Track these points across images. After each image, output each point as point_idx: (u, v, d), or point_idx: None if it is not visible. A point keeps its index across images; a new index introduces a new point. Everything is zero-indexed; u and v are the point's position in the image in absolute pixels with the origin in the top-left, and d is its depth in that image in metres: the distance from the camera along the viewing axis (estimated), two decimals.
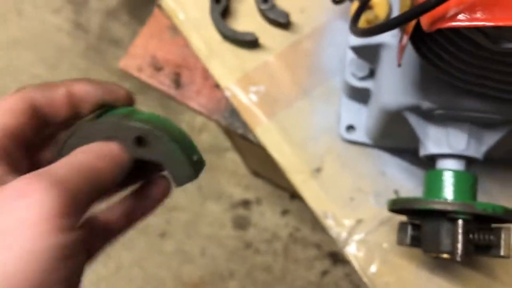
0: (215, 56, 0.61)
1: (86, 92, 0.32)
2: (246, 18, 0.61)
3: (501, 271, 0.52)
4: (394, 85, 0.42)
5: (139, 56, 0.63)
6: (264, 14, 0.59)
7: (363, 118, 0.57)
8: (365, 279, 0.54)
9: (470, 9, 0.27)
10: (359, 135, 0.57)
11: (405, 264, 0.54)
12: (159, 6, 0.64)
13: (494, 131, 0.42)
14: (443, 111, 0.40)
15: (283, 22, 0.59)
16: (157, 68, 0.63)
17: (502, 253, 0.40)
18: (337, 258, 1.45)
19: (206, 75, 0.61)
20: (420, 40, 0.35)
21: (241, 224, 1.52)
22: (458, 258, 0.39)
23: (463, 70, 0.35)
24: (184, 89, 0.62)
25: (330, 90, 0.59)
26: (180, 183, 0.32)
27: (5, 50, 1.70)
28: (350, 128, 0.57)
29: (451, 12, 0.27)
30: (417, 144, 0.49)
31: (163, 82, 0.62)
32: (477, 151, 0.42)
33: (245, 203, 1.53)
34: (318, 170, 0.57)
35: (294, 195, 1.52)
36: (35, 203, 0.24)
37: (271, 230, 1.50)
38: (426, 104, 0.40)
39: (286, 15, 0.59)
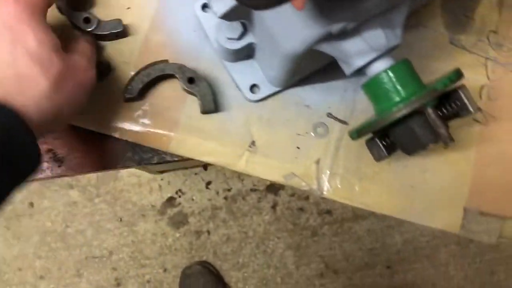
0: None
1: None
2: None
3: None
4: (291, 29, 0.38)
5: None
6: (96, 35, 0.50)
7: (258, 73, 0.52)
8: (357, 205, 0.53)
9: None
10: (265, 90, 0.53)
11: (377, 169, 0.53)
12: None
13: (398, 10, 0.40)
14: (355, 23, 0.37)
15: (120, 31, 0.51)
16: None
17: (472, 110, 0.40)
18: (275, 187, 1.47)
19: (76, 134, 0.52)
20: None
21: (179, 221, 1.45)
22: (449, 142, 0.38)
23: None
24: (68, 163, 0.52)
25: (211, 65, 0.53)
26: (205, 111, 0.51)
27: None
28: (254, 87, 0.53)
29: None
30: (319, 63, 0.47)
31: (42, 170, 0.52)
32: (396, 37, 0.40)
33: (170, 202, 1.46)
34: (252, 143, 0.53)
35: (205, 164, 1.48)
36: None
37: (208, 206, 1.46)
38: (335, 27, 0.37)
39: (118, 22, 0.50)
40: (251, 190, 1.47)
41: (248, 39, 0.47)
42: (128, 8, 0.53)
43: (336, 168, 0.53)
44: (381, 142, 0.43)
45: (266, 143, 0.53)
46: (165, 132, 0.52)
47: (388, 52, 0.41)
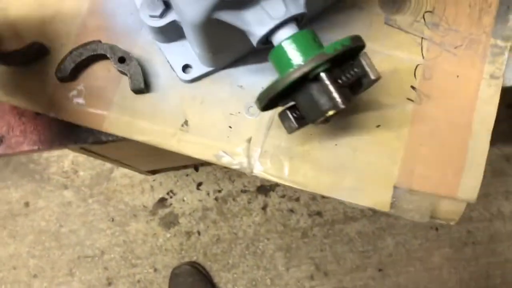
0: (13, 88, 0.53)
1: None
2: (15, 36, 0.54)
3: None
4: None
5: None
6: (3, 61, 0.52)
7: (190, 53, 0.54)
8: (287, 183, 0.53)
9: None
10: (197, 70, 0.54)
11: (308, 148, 0.53)
12: None
13: None
14: None
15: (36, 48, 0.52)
16: None
17: (372, 76, 0.40)
18: (266, 188, 1.47)
19: (17, 112, 0.54)
20: None
21: (170, 222, 1.46)
22: (341, 105, 0.38)
23: None
24: (7, 141, 0.54)
25: (146, 47, 0.55)
26: (135, 90, 0.52)
27: None
28: (186, 67, 0.54)
29: None
30: (247, 43, 0.47)
31: None
32: (298, 6, 0.41)
33: (162, 203, 1.47)
34: (185, 123, 0.54)
35: (197, 166, 1.49)
36: None
37: (199, 207, 1.47)
38: None
39: (36, 45, 0.52)
40: (242, 191, 1.47)
41: (170, 17, 0.49)
42: None
43: (267, 147, 0.53)
44: (292, 114, 0.43)
45: (198, 122, 0.54)
46: (99, 112, 0.53)
47: (293, 22, 0.41)
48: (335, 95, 0.38)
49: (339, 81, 0.40)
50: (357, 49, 0.41)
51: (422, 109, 0.54)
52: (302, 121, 0.44)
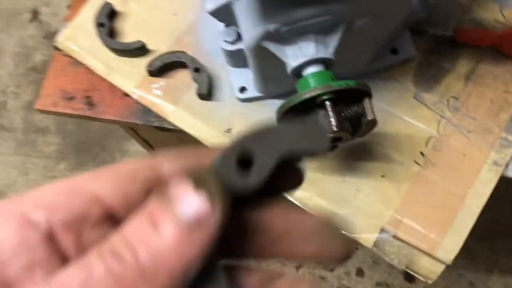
0: (114, 70, 0.70)
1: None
2: (132, 32, 0.72)
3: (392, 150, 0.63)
4: (247, 25, 0.53)
5: (51, 94, 0.72)
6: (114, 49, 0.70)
7: (249, 79, 0.67)
8: (293, 199, 0.63)
9: None
10: (251, 93, 0.67)
11: (318, 177, 0.63)
12: (56, 48, 0.73)
13: (333, 33, 0.53)
14: (287, 27, 0.51)
15: (139, 46, 0.69)
16: (69, 98, 0.71)
17: (369, 117, 0.51)
18: None
19: (112, 89, 0.71)
20: None
21: None
22: (334, 128, 0.49)
23: None
24: (97, 107, 0.70)
25: (219, 67, 0.70)
26: (200, 95, 0.63)
27: None
28: (243, 89, 0.68)
29: None
30: (290, 82, 0.60)
31: (77, 108, 0.71)
32: (326, 52, 0.53)
33: None
34: (228, 130, 0.67)
35: None
36: None
37: None
38: (271, 27, 0.51)
39: (140, 43, 0.69)
40: None
41: (239, 45, 0.63)
42: (175, 14, 0.73)
43: None
44: None
45: (238, 132, 0.66)
46: (169, 105, 0.68)
47: (321, 63, 0.53)
48: (332, 120, 0.49)
49: (342, 114, 0.51)
50: (362, 94, 0.51)
51: (425, 173, 0.62)
52: None
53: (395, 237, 0.60)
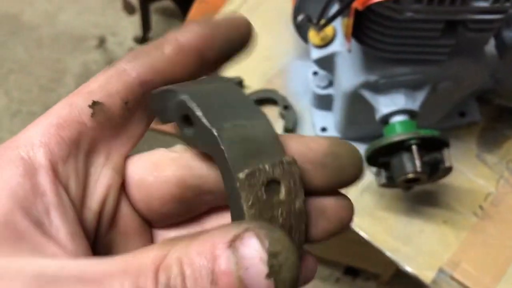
0: None
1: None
2: (231, 70, 0.82)
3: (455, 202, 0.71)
4: (348, 73, 0.63)
5: None
6: None
7: (331, 120, 0.76)
8: (358, 229, 0.70)
9: None
10: (331, 133, 0.76)
11: (387, 215, 0.71)
12: None
13: (421, 90, 0.62)
14: (384, 80, 0.60)
15: (238, 81, 0.79)
16: None
17: (447, 164, 0.59)
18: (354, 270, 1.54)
19: None
20: (357, 31, 0.56)
21: None
22: (418, 169, 0.57)
23: (387, 42, 0.55)
24: None
25: (304, 107, 0.79)
26: (284, 129, 0.66)
27: None
28: (323, 129, 0.77)
29: None
30: (376, 129, 0.68)
31: None
32: (414, 105, 0.62)
33: None
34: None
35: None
36: None
37: None
38: (372, 78, 0.60)
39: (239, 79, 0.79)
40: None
41: (328, 91, 0.73)
42: (268, 59, 0.83)
43: (358, 206, 0.72)
44: (383, 171, 0.63)
45: None
46: None
47: (407, 113, 0.62)
48: (417, 162, 0.57)
49: (424, 158, 0.59)
50: (441, 144, 0.60)
51: (483, 224, 0.69)
52: (390, 181, 0.62)
53: (452, 277, 0.66)
